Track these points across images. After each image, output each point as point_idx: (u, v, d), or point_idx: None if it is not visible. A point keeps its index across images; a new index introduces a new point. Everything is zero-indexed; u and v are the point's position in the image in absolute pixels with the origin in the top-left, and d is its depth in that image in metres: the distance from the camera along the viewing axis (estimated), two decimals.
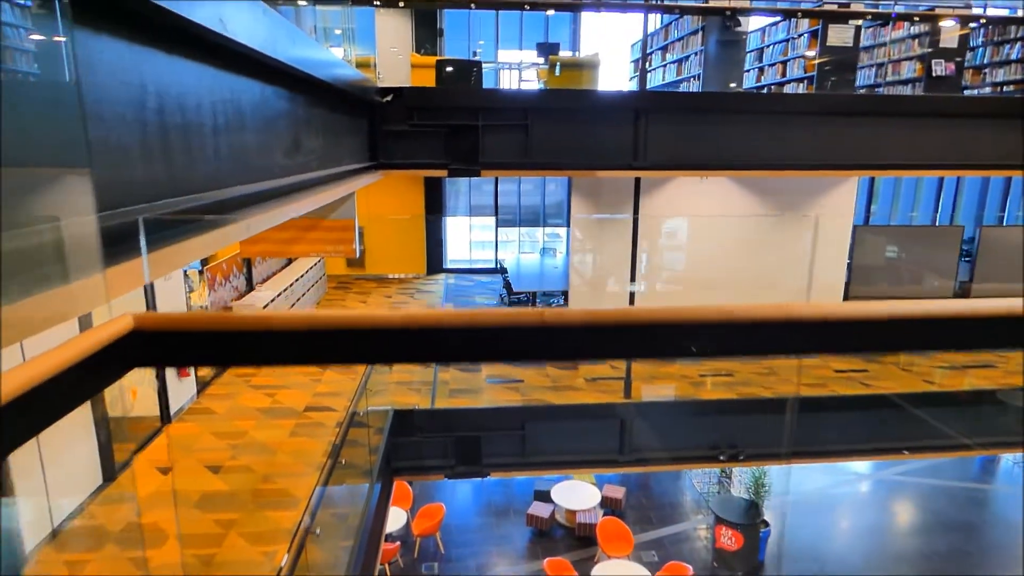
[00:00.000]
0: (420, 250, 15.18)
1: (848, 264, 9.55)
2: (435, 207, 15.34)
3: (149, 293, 6.77)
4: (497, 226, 16.43)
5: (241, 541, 5.18)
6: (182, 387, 7.49)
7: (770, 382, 8.80)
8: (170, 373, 7.18)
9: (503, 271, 14.17)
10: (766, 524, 10.57)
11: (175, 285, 7.33)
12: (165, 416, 7.19)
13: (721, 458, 8.27)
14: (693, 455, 8.34)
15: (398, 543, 10.56)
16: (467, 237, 17.04)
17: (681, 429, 8.36)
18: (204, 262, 8.33)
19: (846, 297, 9.83)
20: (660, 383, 8.91)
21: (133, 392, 6.52)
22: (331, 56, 3.95)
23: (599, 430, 8.31)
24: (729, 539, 10.22)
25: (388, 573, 10.16)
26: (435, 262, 15.57)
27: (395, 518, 11.05)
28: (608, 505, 11.98)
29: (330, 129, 4.60)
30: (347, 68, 4.67)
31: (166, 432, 7.00)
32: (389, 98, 6.00)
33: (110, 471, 6.05)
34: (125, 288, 1.53)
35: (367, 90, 5.57)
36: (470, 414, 8.02)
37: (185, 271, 7.68)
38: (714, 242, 9.70)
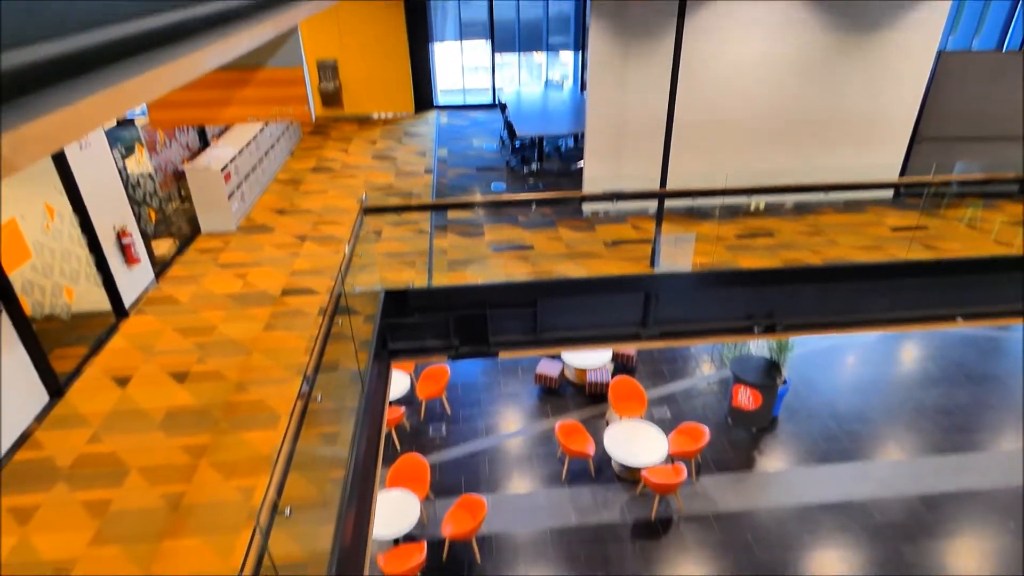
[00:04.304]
0: (406, 84, 13.18)
1: (923, 99, 7.91)
2: (420, 30, 13.03)
3: (61, 165, 5.36)
4: (493, 51, 14.20)
5: (213, 474, 4.40)
6: (134, 274, 6.36)
7: (816, 244, 7.68)
8: (114, 261, 6.01)
9: (503, 107, 12.36)
10: (784, 381, 10.13)
11: (99, 152, 5.87)
12: (119, 309, 6.15)
13: (756, 330, 7.43)
14: (725, 327, 7.48)
15: (403, 408, 10.21)
16: (459, 63, 14.85)
17: (713, 300, 7.41)
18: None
19: (912, 141, 8.33)
20: (689, 247, 7.78)
21: (67, 291, 5.40)
22: None
23: (620, 304, 7.36)
24: (747, 399, 9.82)
25: (395, 438, 9.91)
26: (424, 97, 13.63)
27: (399, 383, 10.61)
28: (619, 361, 11.54)
29: None
30: None
31: (122, 330, 6.01)
32: None
33: (55, 385, 5.14)
34: None
35: None
36: (473, 291, 7.01)
37: (113, 129, 6.16)
38: (769, 72, 7.96)
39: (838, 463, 9.34)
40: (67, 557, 3.82)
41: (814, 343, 11.97)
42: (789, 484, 9.03)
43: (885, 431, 9.97)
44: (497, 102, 14.00)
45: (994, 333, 12.44)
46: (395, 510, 7.72)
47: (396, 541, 7.80)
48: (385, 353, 7.19)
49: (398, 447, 9.70)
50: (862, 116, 8.14)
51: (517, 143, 11.49)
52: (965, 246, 7.58)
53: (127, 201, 6.28)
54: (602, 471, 9.25)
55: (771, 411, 9.99)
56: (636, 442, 8.96)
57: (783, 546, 8.04)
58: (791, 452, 9.62)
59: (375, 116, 13.18)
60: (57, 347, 5.24)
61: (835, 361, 11.72)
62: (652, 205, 8.09)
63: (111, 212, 6.00)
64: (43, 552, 3.86)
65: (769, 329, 7.48)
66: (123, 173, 6.26)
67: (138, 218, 6.49)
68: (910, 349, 12.12)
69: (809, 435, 9.90)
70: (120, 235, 6.02)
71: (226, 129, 8.91)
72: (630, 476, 9.13)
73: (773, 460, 9.49)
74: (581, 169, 9.16)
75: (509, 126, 11.01)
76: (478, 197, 9.42)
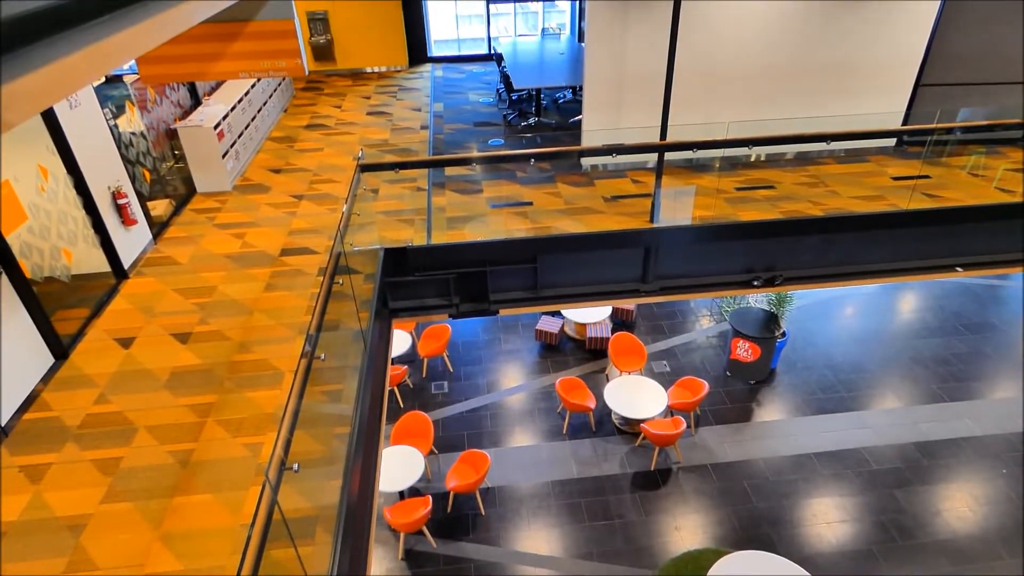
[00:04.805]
0: (399, 36, 12.85)
1: (928, 44, 7.71)
2: None
3: (52, 124, 5.27)
4: (489, 1, 13.80)
5: (221, 432, 4.47)
6: (131, 235, 6.32)
7: (817, 195, 7.62)
8: (111, 222, 5.97)
9: (498, 59, 12.09)
10: (783, 334, 10.20)
11: (89, 111, 5.75)
12: (119, 270, 6.14)
13: (756, 284, 7.44)
14: (724, 281, 7.49)
15: (405, 367, 10.31)
16: (452, 12, 14.45)
17: (713, 254, 7.39)
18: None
19: (917, 86, 8.16)
20: (689, 200, 7.73)
21: (65, 253, 5.38)
22: None
23: (620, 259, 7.34)
24: (746, 351, 9.91)
25: (398, 395, 10.03)
26: (418, 50, 13.31)
27: (400, 341, 10.69)
28: (618, 316, 11.60)
29: None
30: None
31: (122, 291, 6.01)
32: None
33: (59, 347, 5.17)
34: None
35: None
36: (473, 248, 6.98)
37: (102, 87, 6.02)
38: (771, 20, 7.75)
39: (835, 413, 9.49)
40: (80, 513, 3.91)
41: (813, 295, 12.01)
42: (786, 434, 9.20)
43: (882, 381, 10.09)
44: (492, 53, 13.68)
45: (993, 282, 12.47)
46: (400, 465, 7.87)
47: (402, 495, 7.98)
48: (386, 312, 7.21)
49: (401, 405, 9.83)
50: (866, 64, 7.96)
51: (514, 96, 11.29)
52: (967, 194, 7.52)
53: (120, 161, 6.19)
54: (602, 424, 9.41)
55: (769, 363, 10.10)
56: (636, 396, 9.08)
57: (779, 494, 8.24)
58: (788, 403, 9.77)
59: (368, 70, 12.90)
60: (59, 309, 5.26)
61: (834, 313, 11.79)
62: (652, 158, 8.00)
63: (105, 172, 5.92)
64: (57, 509, 3.95)
65: (769, 282, 7.49)
66: (115, 132, 6.16)
67: (132, 178, 6.41)
68: (909, 300, 12.17)
69: (806, 386, 10.03)
70: (116, 196, 5.96)
71: (217, 86, 8.72)
72: (630, 429, 9.29)
73: (771, 411, 9.64)
74: (580, 122, 9.01)
75: (506, 78, 10.79)
76: (476, 153, 9.30)
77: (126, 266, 6.21)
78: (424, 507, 7.34)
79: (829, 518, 7.92)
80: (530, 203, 7.75)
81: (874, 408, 9.57)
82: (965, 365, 10.31)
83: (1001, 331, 11.08)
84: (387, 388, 6.82)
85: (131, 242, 6.32)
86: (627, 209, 7.58)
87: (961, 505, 8.03)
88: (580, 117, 8.90)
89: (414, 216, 7.48)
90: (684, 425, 8.44)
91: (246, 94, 8.68)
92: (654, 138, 7.12)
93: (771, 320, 9.99)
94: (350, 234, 6.73)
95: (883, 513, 7.95)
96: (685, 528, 7.86)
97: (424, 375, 10.48)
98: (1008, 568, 7.24)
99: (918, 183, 7.74)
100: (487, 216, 7.64)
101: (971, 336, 10.97)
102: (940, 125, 7.73)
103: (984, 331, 11.08)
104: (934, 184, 7.77)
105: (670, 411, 9.14)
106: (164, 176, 7.23)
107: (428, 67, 13.23)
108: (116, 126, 6.22)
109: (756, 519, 7.93)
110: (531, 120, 10.67)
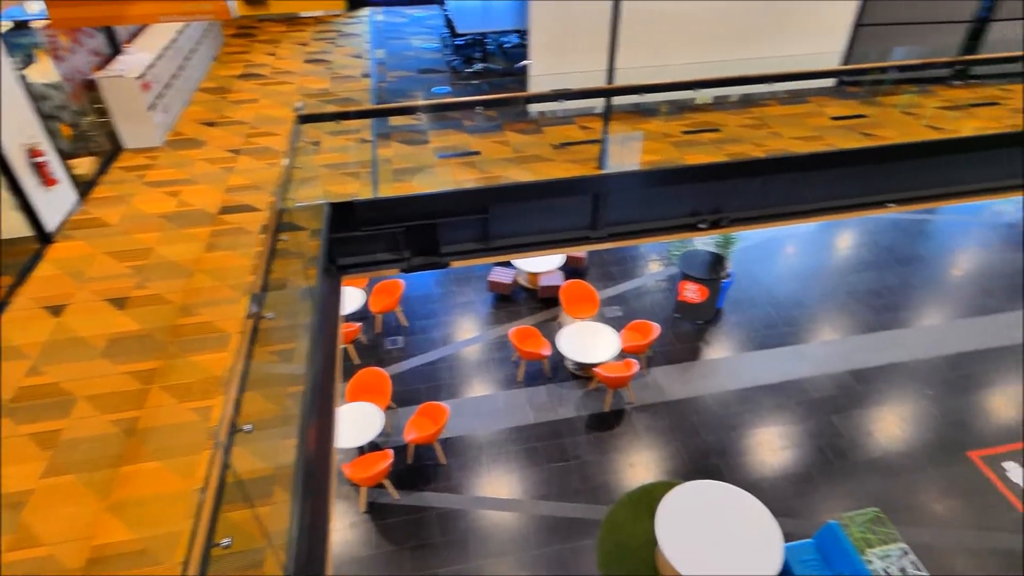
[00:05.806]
0: None
1: None
2: None
3: None
4: None
5: (167, 398, 4.34)
6: (53, 195, 5.92)
7: (760, 137, 7.73)
8: (28, 182, 5.57)
9: (442, 1, 11.62)
10: (729, 275, 10.50)
11: None
12: (42, 234, 5.78)
13: (701, 226, 7.58)
14: (672, 225, 7.60)
15: (359, 324, 10.20)
16: None
17: (660, 198, 7.46)
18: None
19: (856, 26, 8.26)
20: (637, 145, 7.72)
21: None
22: None
23: (570, 207, 7.34)
24: (694, 293, 10.18)
25: (353, 352, 9.95)
26: None
27: (352, 298, 10.53)
28: (570, 264, 11.70)
29: None
30: None
31: (47, 256, 5.67)
32: None
33: None
34: None
35: None
36: (421, 200, 6.84)
37: (7, 34, 5.51)
38: None
39: (777, 348, 9.92)
40: (20, 489, 3.77)
41: (757, 235, 12.36)
42: (731, 370, 9.59)
43: (820, 315, 10.58)
44: None
45: (922, 216, 13.09)
46: (358, 421, 7.88)
47: (361, 450, 8.02)
48: (334, 268, 7.05)
49: (356, 361, 9.77)
50: (805, 4, 8.01)
51: (458, 41, 10.91)
52: (900, 133, 7.76)
53: (34, 115, 5.73)
54: (557, 371, 9.59)
55: (715, 303, 10.42)
56: (589, 341, 9.26)
57: (726, 427, 8.65)
58: (734, 340, 10.15)
59: (304, 15, 12.20)
60: None
61: (776, 252, 12.19)
62: (600, 103, 7.92)
63: (16, 128, 5.48)
64: None
65: (715, 225, 7.63)
66: (24, 83, 5.67)
67: (51, 134, 5.96)
68: (845, 237, 12.67)
69: (750, 324, 10.42)
70: (31, 153, 5.54)
71: (138, 33, 8.11)
72: (584, 373, 9.51)
73: (717, 349, 10.00)
74: (526, 68, 8.81)
75: (450, 23, 10.40)
76: (421, 101, 9.00)
77: (50, 229, 5.84)
78: (384, 460, 7.40)
79: (773, 446, 8.38)
80: (478, 152, 7.61)
81: (813, 341, 10.06)
82: (896, 296, 10.89)
83: (928, 263, 11.70)
84: (340, 346, 6.74)
85: (54, 203, 5.93)
86: (576, 156, 7.53)
87: (891, 425, 8.61)
88: (527, 62, 8.69)
89: (359, 169, 7.24)
90: (636, 367, 8.68)
91: (172, 41, 8.10)
92: (601, 83, 7.03)
93: (717, 261, 10.26)
94: (293, 189, 6.48)
95: (821, 438, 8.46)
96: (639, 464, 8.19)
97: (378, 331, 10.41)
98: (932, 478, 7.86)
99: (855, 123, 7.93)
100: (435, 167, 7.46)
101: (902, 269, 11.55)
102: (875, 64, 7.89)
103: (913, 263, 11.68)
104: (870, 123, 7.98)
105: (623, 354, 9.38)
106: (86, 131, 6.76)
107: (368, 11, 12.61)
108: (25, 77, 5.73)
109: (705, 451, 8.32)
110: (476, 66, 10.37)
